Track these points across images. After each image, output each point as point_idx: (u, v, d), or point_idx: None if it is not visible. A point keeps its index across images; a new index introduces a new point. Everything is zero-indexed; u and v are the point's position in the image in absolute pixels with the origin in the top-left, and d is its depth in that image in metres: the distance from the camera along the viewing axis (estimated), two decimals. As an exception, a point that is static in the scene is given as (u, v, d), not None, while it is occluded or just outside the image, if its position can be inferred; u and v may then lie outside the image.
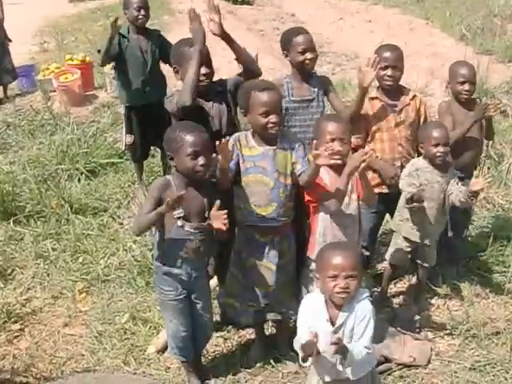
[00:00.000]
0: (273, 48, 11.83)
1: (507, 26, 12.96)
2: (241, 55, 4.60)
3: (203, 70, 4.46)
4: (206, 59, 4.49)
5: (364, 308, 3.50)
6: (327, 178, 4.24)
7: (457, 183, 4.76)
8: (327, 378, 3.58)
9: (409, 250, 4.98)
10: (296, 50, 4.82)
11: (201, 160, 3.88)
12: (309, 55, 4.81)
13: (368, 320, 3.51)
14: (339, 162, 4.14)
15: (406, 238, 4.94)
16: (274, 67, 9.61)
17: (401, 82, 5.05)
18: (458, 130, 5.08)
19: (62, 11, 16.06)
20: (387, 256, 5.09)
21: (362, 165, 4.02)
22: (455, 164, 5.14)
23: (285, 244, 4.32)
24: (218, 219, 3.87)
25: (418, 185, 4.67)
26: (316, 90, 4.90)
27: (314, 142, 4.02)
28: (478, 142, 5.35)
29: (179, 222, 3.95)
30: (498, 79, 9.76)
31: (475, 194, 4.59)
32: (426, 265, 5.09)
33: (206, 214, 4.02)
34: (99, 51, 6.77)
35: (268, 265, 4.30)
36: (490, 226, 6.12)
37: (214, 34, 4.46)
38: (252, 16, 14.69)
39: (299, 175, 4.18)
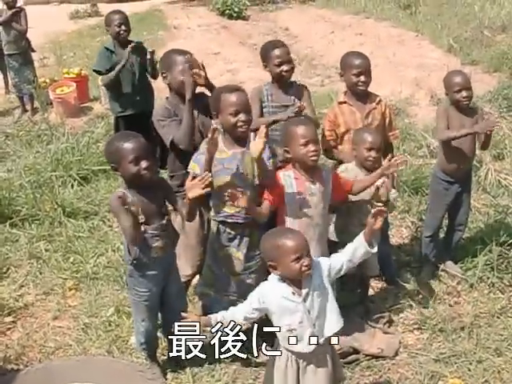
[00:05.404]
0: (264, 61, 12.14)
1: (496, 37, 13.07)
2: None
3: None
4: (194, 66, 4.72)
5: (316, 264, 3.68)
6: (293, 182, 4.41)
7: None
8: (306, 349, 3.68)
9: None
10: (273, 62, 5.03)
11: (143, 163, 3.99)
12: (285, 67, 5.02)
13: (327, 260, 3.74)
14: (316, 162, 4.35)
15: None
16: (263, 78, 9.84)
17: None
18: (454, 132, 5.13)
19: (63, 28, 16.28)
20: None
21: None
22: (454, 177, 5.37)
23: (255, 237, 4.48)
24: (196, 187, 4.03)
25: None
26: (293, 97, 5.08)
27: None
28: (472, 152, 5.45)
29: (141, 228, 4.09)
30: (482, 89, 9.84)
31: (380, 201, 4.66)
32: (370, 274, 5.20)
33: (163, 210, 4.20)
34: (97, 72, 7.06)
35: (237, 255, 4.56)
36: (466, 229, 6.04)
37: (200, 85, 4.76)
38: (246, 31, 14.76)
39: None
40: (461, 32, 13.42)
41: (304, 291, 3.62)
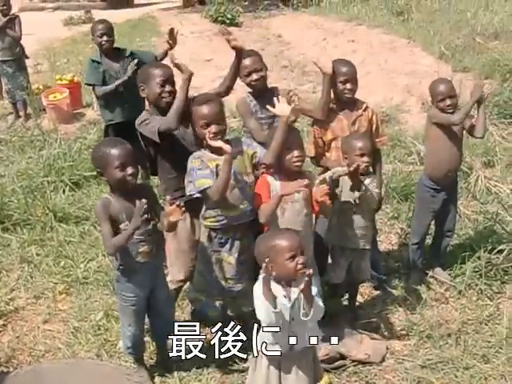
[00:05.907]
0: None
1: (488, 44, 13.04)
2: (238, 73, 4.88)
3: (168, 88, 4.69)
4: (170, 79, 4.74)
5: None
6: (277, 184, 4.44)
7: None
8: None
9: (346, 264, 4.91)
10: (243, 72, 4.94)
11: (129, 170, 4.03)
12: (254, 76, 4.94)
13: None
14: (300, 167, 4.40)
15: (341, 250, 4.92)
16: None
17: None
18: (462, 110, 5.15)
19: (57, 34, 16.30)
20: (327, 277, 5.00)
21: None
22: (440, 184, 5.42)
23: (244, 241, 4.53)
24: (175, 213, 4.04)
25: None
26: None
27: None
28: (459, 159, 5.51)
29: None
30: (473, 96, 9.86)
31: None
32: (362, 278, 5.14)
33: (148, 216, 4.11)
34: (90, 85, 7.11)
35: (228, 259, 4.56)
36: (455, 235, 6.09)
37: (235, 48, 4.67)
38: (239, 37, 14.70)
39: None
40: (453, 39, 13.38)
41: (293, 296, 3.64)
